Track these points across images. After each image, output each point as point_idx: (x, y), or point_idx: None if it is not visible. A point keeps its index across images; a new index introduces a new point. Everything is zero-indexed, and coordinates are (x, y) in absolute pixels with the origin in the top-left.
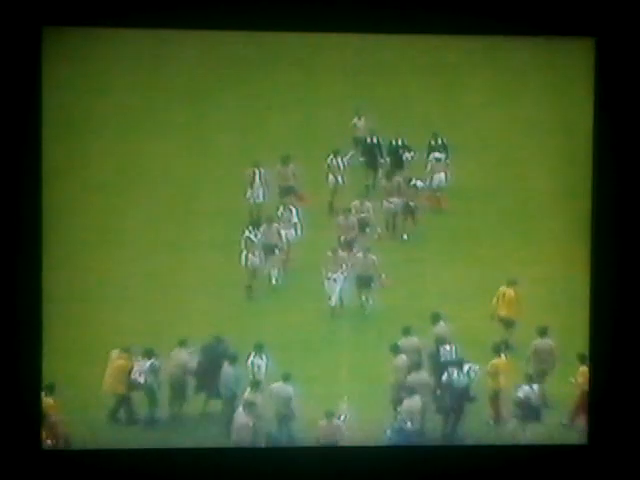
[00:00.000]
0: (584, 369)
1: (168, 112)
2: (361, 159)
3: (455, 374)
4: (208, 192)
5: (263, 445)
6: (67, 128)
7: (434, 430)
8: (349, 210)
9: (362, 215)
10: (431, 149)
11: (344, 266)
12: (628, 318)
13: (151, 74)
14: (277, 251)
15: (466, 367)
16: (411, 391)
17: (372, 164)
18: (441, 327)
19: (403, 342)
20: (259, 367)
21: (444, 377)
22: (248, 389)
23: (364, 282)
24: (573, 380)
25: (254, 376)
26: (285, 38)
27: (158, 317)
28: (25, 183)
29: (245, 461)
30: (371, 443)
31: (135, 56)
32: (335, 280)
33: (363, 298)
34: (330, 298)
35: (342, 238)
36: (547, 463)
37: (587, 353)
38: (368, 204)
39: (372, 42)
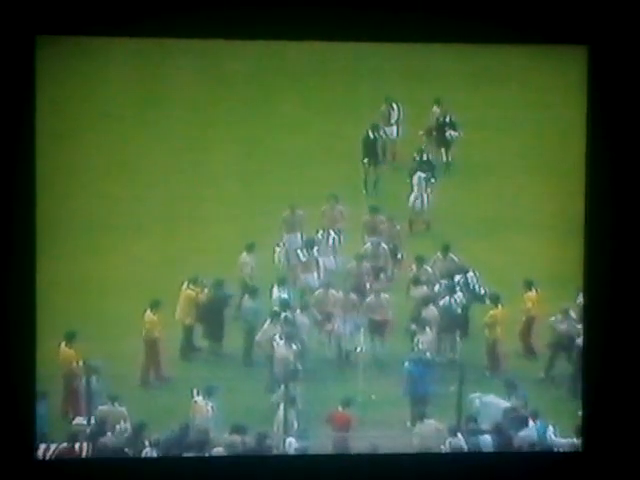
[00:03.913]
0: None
1: (164, 121)
2: (365, 160)
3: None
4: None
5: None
6: (61, 136)
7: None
8: (362, 256)
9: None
10: (416, 166)
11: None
12: (623, 323)
13: (146, 83)
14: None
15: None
16: (424, 324)
17: (375, 161)
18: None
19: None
20: (281, 300)
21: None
22: (268, 321)
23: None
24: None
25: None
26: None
27: (173, 248)
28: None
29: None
30: (390, 375)
31: (129, 65)
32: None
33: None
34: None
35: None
36: (541, 470)
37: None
38: (384, 247)
39: (361, 48)
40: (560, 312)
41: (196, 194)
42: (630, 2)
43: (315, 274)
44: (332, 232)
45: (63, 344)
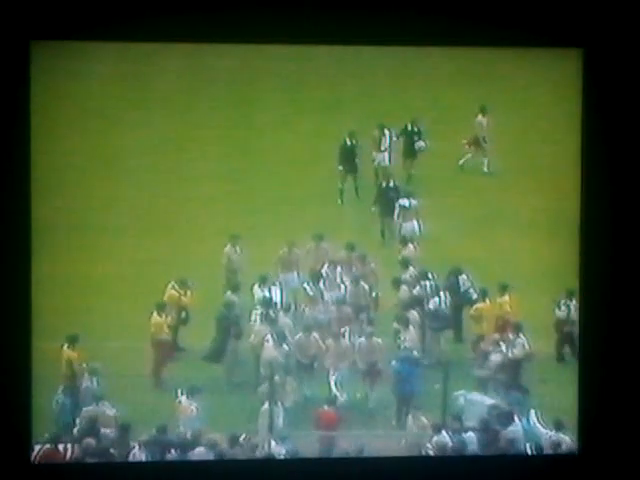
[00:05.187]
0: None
1: (157, 123)
2: (340, 167)
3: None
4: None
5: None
6: (55, 138)
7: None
8: (343, 300)
9: (358, 301)
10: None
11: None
12: (618, 328)
13: (140, 88)
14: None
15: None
16: (407, 323)
17: (351, 169)
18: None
19: (404, 274)
20: (266, 297)
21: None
22: (257, 322)
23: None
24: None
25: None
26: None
27: (158, 249)
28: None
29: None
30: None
31: (124, 70)
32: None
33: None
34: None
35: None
36: (536, 473)
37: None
38: (364, 286)
39: (359, 52)
40: (495, 342)
41: (188, 194)
42: (625, 5)
43: (321, 307)
44: (339, 267)
45: (65, 346)
